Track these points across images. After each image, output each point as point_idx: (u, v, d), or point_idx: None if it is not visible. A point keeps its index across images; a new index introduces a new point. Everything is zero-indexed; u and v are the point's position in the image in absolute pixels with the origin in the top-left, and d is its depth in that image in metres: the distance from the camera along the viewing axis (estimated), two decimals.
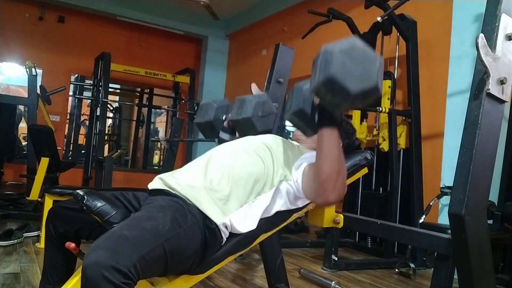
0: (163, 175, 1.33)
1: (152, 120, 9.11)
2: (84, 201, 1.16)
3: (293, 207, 1.40)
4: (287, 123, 5.42)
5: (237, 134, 1.72)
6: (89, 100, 6.69)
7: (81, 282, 0.93)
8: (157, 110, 9.05)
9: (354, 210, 3.73)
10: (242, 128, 1.60)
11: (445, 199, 2.96)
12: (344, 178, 1.18)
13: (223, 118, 1.73)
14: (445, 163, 3.07)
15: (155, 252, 1.02)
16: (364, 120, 3.79)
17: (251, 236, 1.33)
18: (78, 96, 7.54)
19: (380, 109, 3.25)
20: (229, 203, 1.26)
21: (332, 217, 1.74)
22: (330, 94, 1.06)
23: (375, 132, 3.69)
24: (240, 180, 1.30)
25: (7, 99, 5.03)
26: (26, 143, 5.57)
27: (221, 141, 1.70)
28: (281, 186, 1.34)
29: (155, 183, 1.32)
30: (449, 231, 1.26)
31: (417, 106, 3.36)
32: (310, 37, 4.01)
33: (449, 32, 3.18)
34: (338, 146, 1.16)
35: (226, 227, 1.24)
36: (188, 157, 6.51)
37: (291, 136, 1.68)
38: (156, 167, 9.22)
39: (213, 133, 1.75)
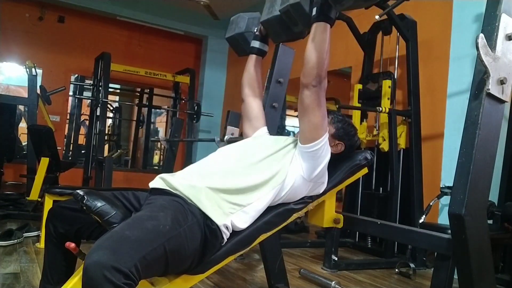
0: (164, 175, 1.33)
1: (152, 120, 9.11)
2: (84, 201, 1.16)
3: (293, 200, 1.44)
4: (287, 123, 5.41)
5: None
6: (89, 100, 6.69)
7: (82, 282, 0.93)
8: (157, 110, 9.04)
9: (354, 210, 3.73)
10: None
11: (445, 199, 2.96)
12: (326, 68, 1.34)
13: (255, 30, 1.70)
14: (445, 163, 3.07)
15: (156, 252, 1.02)
16: (364, 120, 3.79)
17: (251, 236, 1.33)
18: (78, 96, 7.53)
19: (380, 109, 3.25)
20: (230, 204, 1.27)
21: (332, 217, 1.74)
22: None
23: (375, 132, 3.69)
24: (243, 182, 1.30)
25: (7, 99, 5.03)
26: (26, 143, 5.56)
27: (254, 52, 1.68)
28: (284, 184, 1.36)
29: (157, 182, 1.32)
30: (449, 231, 1.26)
31: (417, 106, 3.36)
32: None
33: (449, 32, 3.18)
34: (328, 41, 1.32)
35: (227, 228, 1.24)
36: (188, 157, 6.51)
37: (291, 136, 1.68)
38: (156, 167, 9.22)
39: (245, 45, 1.72)
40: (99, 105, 5.40)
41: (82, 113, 8.09)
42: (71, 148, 7.70)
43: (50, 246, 1.33)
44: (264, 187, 1.34)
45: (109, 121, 8.98)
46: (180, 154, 6.28)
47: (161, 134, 9.91)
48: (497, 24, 1.20)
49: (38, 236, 3.04)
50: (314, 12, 1.34)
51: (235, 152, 1.46)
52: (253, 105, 1.72)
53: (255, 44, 1.70)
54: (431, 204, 2.99)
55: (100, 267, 0.91)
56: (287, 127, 5.97)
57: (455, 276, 1.36)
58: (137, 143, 8.63)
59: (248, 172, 1.34)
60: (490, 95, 1.19)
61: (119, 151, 6.79)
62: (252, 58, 1.72)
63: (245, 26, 1.69)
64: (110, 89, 6.24)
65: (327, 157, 1.43)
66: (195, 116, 6.19)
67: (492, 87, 1.18)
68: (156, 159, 9.90)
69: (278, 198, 1.39)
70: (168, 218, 1.11)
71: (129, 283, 0.93)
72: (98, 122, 5.44)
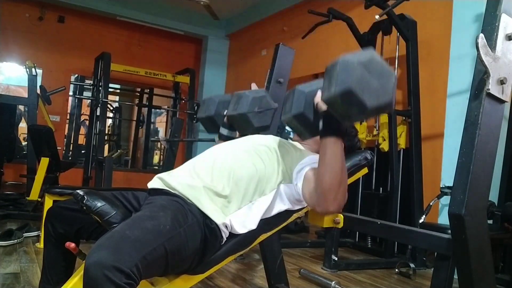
0: (162, 175, 1.33)
1: (152, 120, 9.11)
2: (84, 201, 1.16)
3: (295, 208, 1.41)
4: None
5: (237, 133, 1.71)
6: (89, 100, 6.69)
7: (83, 282, 0.93)
8: (157, 110, 9.05)
9: (354, 210, 3.73)
10: (239, 123, 1.59)
11: (445, 199, 2.96)
12: (345, 189, 1.17)
13: (224, 113, 1.71)
14: (445, 163, 3.07)
15: (156, 251, 1.02)
16: (364, 120, 3.79)
17: (251, 236, 1.33)
18: (78, 96, 7.54)
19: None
20: (229, 203, 1.27)
21: (332, 217, 1.74)
22: (345, 106, 1.03)
23: (375, 132, 3.68)
24: (241, 181, 1.30)
25: (7, 99, 5.03)
26: (26, 143, 5.56)
27: (221, 138, 1.69)
28: (282, 188, 1.34)
29: (155, 183, 1.32)
30: (449, 231, 1.26)
31: (417, 106, 3.36)
32: (310, 37, 4.01)
33: (449, 32, 3.18)
34: (342, 157, 1.15)
35: (226, 227, 1.24)
36: (188, 157, 6.50)
37: (291, 136, 1.67)
38: (156, 167, 9.22)
39: (215, 128, 1.74)
40: (99, 105, 5.40)
41: (82, 113, 8.09)
42: (71, 148, 7.71)
43: (49, 246, 1.33)
44: (264, 186, 1.33)
45: (109, 121, 8.98)
46: (180, 154, 6.28)
47: (161, 134, 9.91)
48: (497, 24, 1.20)
49: (38, 236, 3.04)
50: (320, 125, 1.17)
51: (233, 149, 1.44)
52: None
53: (223, 131, 1.69)
54: (431, 204, 2.99)
55: (101, 267, 0.91)
56: (287, 128, 5.96)
57: (455, 276, 1.36)
58: (137, 143, 8.63)
59: (247, 171, 1.33)
60: (490, 95, 1.19)
61: (119, 151, 6.80)
62: (221, 141, 1.68)
63: (214, 110, 1.72)
64: (110, 89, 6.25)
65: None
66: (195, 116, 6.20)
67: (492, 87, 1.18)
68: (156, 159, 9.90)
69: (278, 199, 1.36)
70: (168, 218, 1.11)
71: (130, 282, 0.94)
72: (98, 122, 5.44)
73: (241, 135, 1.73)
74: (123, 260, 0.93)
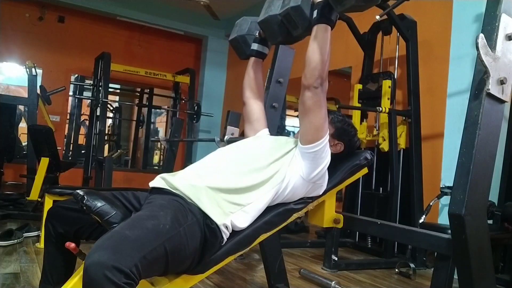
0: (165, 175, 1.34)
1: (152, 120, 9.10)
2: (84, 201, 1.16)
3: (293, 200, 1.44)
4: (287, 123, 5.41)
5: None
6: (89, 100, 6.69)
7: (83, 281, 0.93)
8: (157, 110, 9.04)
9: (354, 210, 3.73)
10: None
11: (445, 199, 2.96)
12: (327, 69, 1.36)
13: (257, 33, 1.70)
14: (445, 163, 3.07)
15: (156, 251, 1.02)
16: (364, 120, 3.79)
17: (251, 236, 1.33)
18: (78, 96, 7.54)
19: (380, 109, 3.25)
20: (230, 204, 1.27)
21: (332, 217, 1.74)
22: None
23: (375, 132, 3.69)
24: (243, 182, 1.30)
25: (7, 99, 5.02)
26: (26, 143, 5.56)
27: (253, 54, 1.68)
28: (283, 184, 1.36)
29: (157, 182, 1.33)
30: (449, 231, 1.26)
31: (417, 106, 3.36)
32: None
33: (449, 32, 3.18)
34: (329, 42, 1.34)
35: (226, 227, 1.24)
36: (188, 157, 6.51)
37: (291, 136, 1.67)
38: (156, 167, 9.22)
39: (246, 48, 1.72)
40: (99, 105, 5.40)
41: (82, 113, 8.09)
42: (71, 148, 7.71)
43: (49, 246, 1.33)
44: (264, 186, 1.34)
45: (109, 121, 8.98)
46: (180, 154, 6.28)
47: (161, 134, 9.90)
48: (497, 24, 1.20)
49: (38, 236, 3.04)
50: (315, 14, 1.35)
51: (235, 151, 1.46)
52: (254, 108, 1.72)
53: (255, 46, 1.70)
54: (431, 204, 2.99)
55: (101, 267, 0.91)
56: (287, 127, 5.97)
57: (455, 276, 1.36)
58: (137, 143, 8.63)
59: (248, 171, 1.34)
60: (490, 95, 1.19)
61: (119, 151, 6.78)
62: (252, 60, 1.72)
63: (247, 29, 1.70)
64: (110, 89, 6.24)
65: (327, 159, 1.43)
66: (195, 116, 6.20)
67: (492, 87, 1.18)
68: (156, 159, 9.90)
69: (278, 198, 1.39)
70: (168, 217, 1.11)
71: (130, 282, 0.94)
72: (98, 122, 5.44)
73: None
74: (123, 260, 0.93)
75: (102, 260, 0.92)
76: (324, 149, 1.39)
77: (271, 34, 1.58)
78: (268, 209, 1.38)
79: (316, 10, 1.35)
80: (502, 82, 1.20)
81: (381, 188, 3.63)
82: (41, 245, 2.82)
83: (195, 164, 1.42)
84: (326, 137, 1.40)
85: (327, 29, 1.34)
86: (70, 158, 7.36)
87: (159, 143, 8.64)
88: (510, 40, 1.22)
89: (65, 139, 7.36)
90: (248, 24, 1.71)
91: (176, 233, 1.10)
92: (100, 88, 5.44)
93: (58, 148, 4.04)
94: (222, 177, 1.31)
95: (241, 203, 1.29)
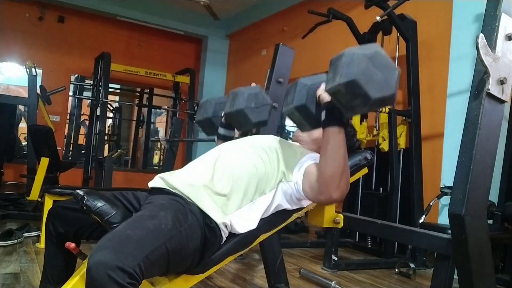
0: (163, 174, 1.34)
1: (152, 120, 9.11)
2: (84, 201, 1.16)
3: (294, 207, 1.41)
4: (287, 123, 5.42)
5: (236, 132, 1.72)
6: (89, 100, 6.69)
7: (86, 282, 0.93)
8: (157, 110, 9.05)
9: (354, 210, 3.73)
10: (237, 120, 1.59)
11: (445, 199, 2.96)
12: (348, 177, 1.19)
13: (222, 114, 1.72)
14: (445, 163, 3.07)
15: (158, 251, 1.03)
16: (364, 120, 3.79)
17: (251, 236, 1.33)
18: (78, 96, 7.54)
19: (380, 109, 3.25)
20: (229, 203, 1.27)
21: (332, 217, 1.74)
22: (349, 97, 1.06)
23: (375, 132, 3.69)
24: (241, 181, 1.30)
25: (7, 99, 5.03)
26: (26, 143, 5.57)
27: (220, 138, 1.69)
28: (282, 187, 1.34)
29: (156, 182, 1.33)
30: (449, 231, 1.26)
31: (417, 106, 3.36)
32: (310, 37, 4.01)
33: (449, 32, 3.18)
34: (344, 146, 1.17)
35: (226, 226, 1.24)
36: (188, 157, 6.51)
37: (291, 136, 1.67)
38: (156, 167, 9.22)
39: (213, 130, 1.75)
40: (99, 105, 5.40)
41: (82, 113, 8.10)
42: (71, 148, 7.71)
43: (50, 246, 1.33)
44: (264, 186, 1.33)
45: (109, 121, 8.98)
46: (180, 154, 6.28)
47: (161, 134, 9.91)
48: (497, 24, 1.20)
49: (38, 236, 3.04)
50: (323, 116, 1.19)
51: (234, 149, 1.45)
52: None
53: (221, 131, 1.70)
54: (431, 204, 2.99)
55: (104, 267, 0.91)
56: (287, 127, 5.96)
57: (455, 276, 1.36)
58: (137, 143, 8.63)
59: (248, 170, 1.33)
60: (490, 95, 1.19)
61: (119, 151, 6.79)
62: (220, 142, 1.69)
63: (212, 111, 1.73)
64: (110, 89, 6.25)
65: None
66: (195, 116, 6.19)
67: (492, 87, 1.18)
68: (156, 159, 9.90)
69: (278, 199, 1.36)
70: (168, 217, 1.11)
71: (133, 282, 0.94)
72: (98, 122, 5.44)
73: (241, 134, 1.73)
74: (126, 260, 0.93)
75: (105, 260, 0.92)
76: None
77: (238, 126, 1.64)
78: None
79: (323, 112, 1.19)
80: (502, 82, 1.20)
81: (381, 188, 3.63)
82: (41, 245, 2.82)
83: (193, 162, 1.42)
84: None
85: (340, 131, 1.17)
86: (70, 158, 7.37)
87: (159, 143, 8.65)
88: (510, 40, 1.22)
89: (65, 139, 7.36)
90: (213, 107, 1.74)
91: (177, 233, 1.10)
92: (100, 88, 5.45)
93: (58, 148, 4.04)
94: (221, 176, 1.31)
95: (242, 202, 1.29)
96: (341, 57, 1.07)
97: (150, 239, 1.02)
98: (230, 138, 1.69)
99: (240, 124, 1.61)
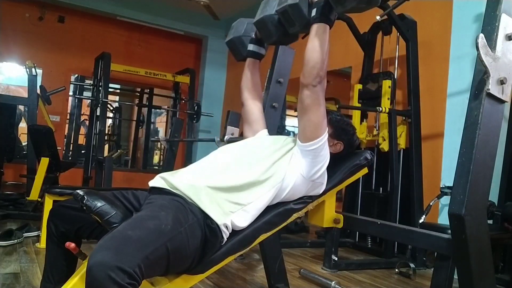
0: (164, 174, 1.34)
1: (152, 120, 9.10)
2: (84, 201, 1.16)
3: (293, 200, 1.44)
4: (287, 123, 5.41)
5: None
6: (89, 100, 6.69)
7: (86, 282, 0.93)
8: (157, 110, 9.04)
9: (354, 210, 3.73)
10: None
11: (445, 199, 2.96)
12: (326, 69, 1.36)
13: (253, 34, 1.71)
14: (445, 163, 3.07)
15: (158, 251, 1.03)
16: (364, 120, 3.79)
17: (251, 236, 1.33)
18: (78, 96, 7.53)
19: (380, 109, 3.25)
20: (231, 204, 1.27)
21: (332, 217, 1.74)
22: None
23: (375, 132, 3.69)
24: (243, 182, 1.30)
25: (7, 99, 5.03)
26: (26, 143, 5.56)
27: (249, 55, 1.68)
28: (283, 182, 1.36)
29: (157, 182, 1.33)
30: (449, 231, 1.26)
31: (417, 106, 3.36)
32: None
33: (449, 32, 3.18)
34: (327, 42, 1.35)
35: (226, 227, 1.24)
36: (188, 157, 6.51)
37: (291, 136, 1.68)
38: (156, 167, 9.22)
39: (243, 49, 1.73)
40: (99, 105, 5.40)
41: (82, 113, 8.09)
42: (71, 148, 7.70)
43: (51, 245, 1.33)
44: (264, 185, 1.34)
45: (109, 121, 8.97)
46: (180, 154, 6.27)
47: (161, 134, 9.90)
48: (497, 24, 1.20)
49: (38, 236, 3.04)
50: (313, 13, 1.35)
51: (234, 151, 1.46)
52: (253, 109, 1.72)
53: (251, 47, 1.70)
54: (431, 204, 2.99)
55: (104, 267, 0.91)
56: (287, 127, 5.97)
57: (455, 276, 1.36)
58: (137, 143, 8.62)
59: (248, 171, 1.34)
60: (490, 95, 1.19)
61: (119, 151, 6.78)
62: (249, 61, 1.72)
63: (243, 30, 1.70)
64: (110, 89, 6.24)
65: (327, 158, 1.44)
66: (195, 116, 6.19)
67: (492, 87, 1.18)
68: (156, 159, 9.90)
69: (278, 197, 1.39)
70: (169, 217, 1.11)
71: (133, 283, 0.94)
72: (98, 122, 5.44)
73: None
74: (126, 260, 0.93)
75: (105, 261, 0.92)
76: (323, 147, 1.40)
77: (267, 34, 1.59)
78: (268, 208, 1.38)
79: (315, 9, 1.35)
80: (502, 82, 1.20)
81: (381, 188, 3.63)
82: (41, 245, 2.82)
83: (195, 164, 1.43)
84: (325, 135, 1.40)
85: (326, 28, 1.35)
86: (70, 158, 7.36)
87: (159, 143, 8.64)
88: (510, 40, 1.22)
89: (65, 139, 7.35)
90: (244, 26, 1.71)
91: (178, 233, 1.10)
92: (100, 88, 5.44)
93: (58, 148, 4.04)
94: (222, 177, 1.31)
95: (242, 202, 1.29)
96: None
97: (150, 239, 1.02)
98: (261, 56, 1.72)
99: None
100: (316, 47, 1.33)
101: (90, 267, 0.92)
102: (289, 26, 1.46)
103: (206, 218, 1.20)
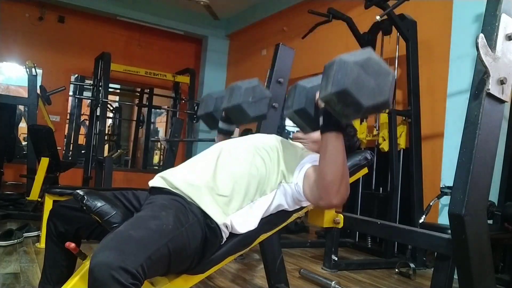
0: (164, 174, 1.33)
1: (152, 120, 9.11)
2: (84, 201, 1.16)
3: (295, 207, 1.40)
4: (287, 123, 5.42)
5: (236, 131, 1.72)
6: (89, 100, 6.69)
7: (88, 282, 0.93)
8: (157, 110, 9.04)
9: (354, 210, 3.73)
10: (235, 115, 1.59)
11: (445, 199, 2.96)
12: (347, 182, 1.18)
13: (223, 113, 1.71)
14: (445, 163, 3.07)
15: (160, 251, 1.03)
16: (364, 120, 3.78)
17: (251, 236, 1.33)
18: (78, 96, 7.54)
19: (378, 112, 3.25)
20: (230, 203, 1.27)
21: (332, 217, 1.74)
22: (341, 105, 1.05)
23: (375, 132, 3.69)
24: (242, 181, 1.30)
25: (7, 99, 5.03)
26: (26, 143, 5.56)
27: (221, 132, 1.69)
28: (282, 187, 1.34)
29: (156, 181, 1.32)
30: (449, 231, 1.26)
31: (417, 106, 3.36)
32: (310, 37, 4.01)
33: (449, 32, 3.18)
34: (343, 151, 1.16)
35: (226, 227, 1.24)
36: (188, 157, 6.39)
37: (291, 136, 1.68)
38: (156, 167, 9.22)
39: (215, 124, 1.75)
40: (99, 105, 5.40)
41: (82, 113, 8.09)
42: (71, 148, 7.71)
43: (50, 245, 1.33)
44: (264, 187, 1.33)
45: (109, 121, 8.98)
46: (180, 154, 6.28)
47: (161, 134, 9.91)
48: (497, 24, 1.20)
49: (38, 236, 3.04)
50: (321, 121, 1.18)
51: (235, 149, 1.44)
52: None
53: (221, 125, 1.70)
54: (431, 204, 2.99)
55: (107, 268, 0.90)
56: (287, 127, 5.97)
57: (455, 276, 1.36)
58: (137, 143, 8.63)
59: (249, 171, 1.33)
60: (490, 95, 1.19)
61: (119, 151, 6.80)
62: (220, 136, 1.70)
63: (213, 106, 1.74)
64: (110, 89, 6.24)
65: None
66: (195, 116, 6.19)
67: (492, 87, 1.18)
68: (156, 159, 9.90)
69: (278, 200, 1.36)
70: (170, 217, 1.11)
71: (136, 283, 0.94)
72: (98, 122, 5.44)
73: (241, 132, 1.74)
74: (129, 260, 0.93)
75: (108, 261, 0.91)
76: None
77: (235, 119, 1.64)
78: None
79: (321, 117, 1.17)
80: (502, 82, 1.20)
81: (381, 188, 3.63)
82: (41, 245, 2.82)
83: (193, 160, 1.41)
84: None
85: (338, 136, 1.15)
86: (70, 158, 7.36)
87: (159, 143, 8.65)
88: (510, 40, 1.22)
89: (65, 139, 7.36)
90: (214, 101, 1.74)
91: (179, 233, 1.10)
92: (100, 88, 5.44)
93: (58, 148, 4.04)
94: (221, 177, 1.31)
95: (241, 203, 1.29)
96: (332, 65, 1.06)
97: (152, 239, 1.02)
98: (231, 132, 1.70)
99: (238, 119, 1.61)
100: (332, 159, 1.14)
101: (92, 268, 0.92)
102: (300, 127, 1.36)
103: (206, 217, 1.20)
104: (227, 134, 1.69)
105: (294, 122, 1.35)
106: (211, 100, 1.76)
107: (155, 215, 1.11)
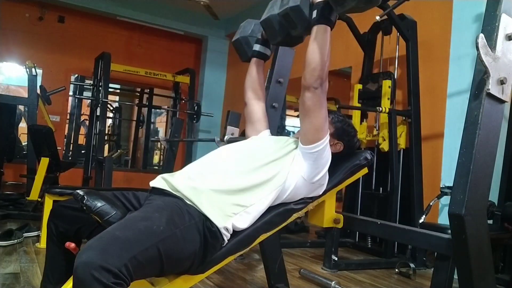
0: (166, 175, 1.34)
1: (152, 120, 9.10)
2: (84, 201, 1.16)
3: (293, 201, 1.44)
4: (287, 123, 5.41)
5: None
6: (89, 100, 6.69)
7: (73, 282, 0.94)
8: (157, 110, 9.04)
9: (354, 210, 3.73)
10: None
11: (445, 199, 2.96)
12: (327, 71, 1.36)
13: (259, 35, 1.72)
14: (445, 163, 3.07)
15: (148, 252, 1.02)
16: (364, 120, 3.79)
17: (251, 236, 1.33)
18: (78, 96, 7.53)
19: (380, 109, 3.25)
20: (233, 206, 1.27)
21: (332, 217, 1.74)
22: None
23: (375, 132, 3.69)
24: (245, 184, 1.30)
25: (7, 99, 5.03)
26: (26, 143, 5.56)
27: (255, 55, 1.69)
28: (286, 185, 1.37)
29: (158, 182, 1.33)
30: (449, 231, 1.26)
31: (417, 106, 3.36)
32: None
33: (449, 32, 3.17)
34: (329, 44, 1.34)
35: (227, 230, 1.24)
36: (188, 157, 6.50)
37: (291, 136, 1.67)
38: (156, 167, 9.22)
39: (248, 49, 1.74)
40: (99, 105, 5.39)
41: (82, 113, 8.09)
42: (71, 148, 7.70)
43: (51, 245, 1.33)
44: (266, 187, 1.34)
45: (109, 121, 8.98)
46: (180, 154, 6.27)
47: (161, 134, 9.90)
48: (497, 24, 1.20)
49: (38, 236, 3.04)
50: (314, 14, 1.35)
51: (236, 152, 1.46)
52: (256, 108, 1.72)
53: (256, 47, 1.71)
54: (431, 204, 2.99)
55: (89, 267, 0.91)
56: (287, 127, 5.97)
57: (455, 276, 1.36)
58: (137, 143, 8.62)
59: (250, 172, 1.34)
60: (490, 95, 1.19)
61: (119, 151, 6.79)
62: (254, 62, 1.73)
63: (250, 30, 1.72)
64: (110, 89, 6.24)
65: (328, 160, 1.44)
66: (195, 116, 6.20)
67: (492, 87, 1.18)
68: (156, 159, 9.90)
69: (279, 199, 1.39)
70: (162, 219, 1.11)
71: (119, 282, 0.94)
72: (98, 122, 5.44)
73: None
74: (111, 260, 0.93)
75: (89, 260, 0.92)
76: (325, 149, 1.39)
77: (272, 34, 1.59)
78: (269, 209, 1.38)
79: (315, 11, 1.35)
80: (502, 82, 1.20)
81: (381, 188, 3.63)
82: (41, 245, 2.82)
83: (195, 164, 1.42)
84: (327, 137, 1.40)
85: (327, 29, 1.34)
86: (70, 158, 7.36)
87: (159, 143, 8.64)
88: (510, 40, 1.22)
89: (65, 139, 7.35)
90: (252, 26, 1.73)
91: (171, 234, 1.10)
92: (100, 88, 5.44)
93: (58, 148, 4.04)
94: (224, 178, 1.31)
95: (244, 204, 1.29)
96: None
97: (139, 239, 1.02)
98: (267, 57, 1.73)
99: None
100: (317, 48, 1.33)
101: (75, 268, 0.92)
102: (291, 28, 1.46)
103: (206, 220, 1.20)
104: (264, 59, 1.73)
105: (285, 20, 1.44)
106: (249, 25, 1.74)
107: (146, 216, 1.11)
